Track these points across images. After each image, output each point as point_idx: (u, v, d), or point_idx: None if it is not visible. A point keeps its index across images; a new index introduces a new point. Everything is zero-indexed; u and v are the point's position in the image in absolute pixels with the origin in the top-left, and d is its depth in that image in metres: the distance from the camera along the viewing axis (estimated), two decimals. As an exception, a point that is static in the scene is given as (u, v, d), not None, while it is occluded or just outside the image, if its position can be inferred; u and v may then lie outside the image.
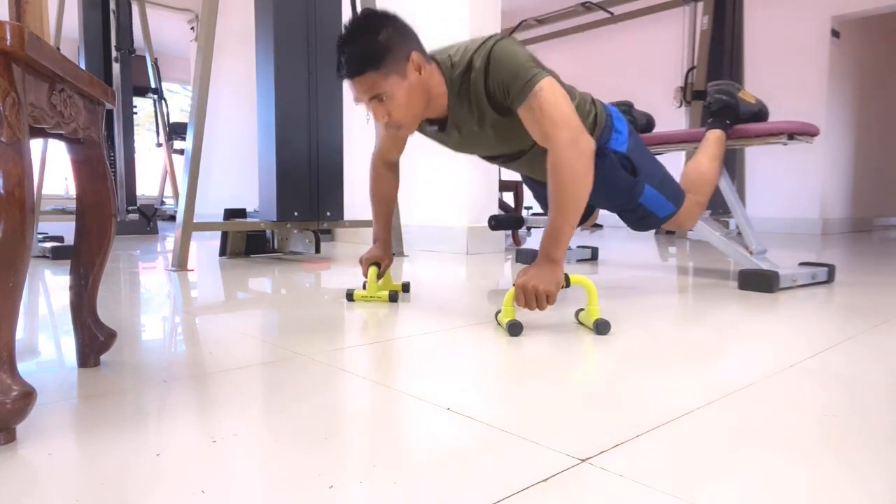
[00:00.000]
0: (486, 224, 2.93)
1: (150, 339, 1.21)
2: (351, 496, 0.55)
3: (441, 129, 1.46)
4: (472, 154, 1.64)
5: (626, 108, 2.22)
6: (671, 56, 5.66)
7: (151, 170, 7.09)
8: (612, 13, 5.54)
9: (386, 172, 1.71)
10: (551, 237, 1.27)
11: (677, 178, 1.77)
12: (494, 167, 3.28)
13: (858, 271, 2.35)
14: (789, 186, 5.24)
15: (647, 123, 2.25)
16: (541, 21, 5.97)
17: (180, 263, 2.36)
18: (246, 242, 2.96)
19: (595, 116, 1.55)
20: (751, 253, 1.91)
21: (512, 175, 3.86)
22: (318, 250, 2.91)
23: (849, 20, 5.08)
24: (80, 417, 0.76)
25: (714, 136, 1.92)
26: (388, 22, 1.30)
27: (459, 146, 1.55)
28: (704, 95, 2.04)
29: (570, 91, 1.53)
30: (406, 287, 1.76)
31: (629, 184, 1.56)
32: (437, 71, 1.37)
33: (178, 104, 8.95)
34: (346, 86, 1.35)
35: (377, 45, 1.26)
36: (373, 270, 1.63)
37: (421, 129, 1.52)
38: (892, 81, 6.09)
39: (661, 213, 1.65)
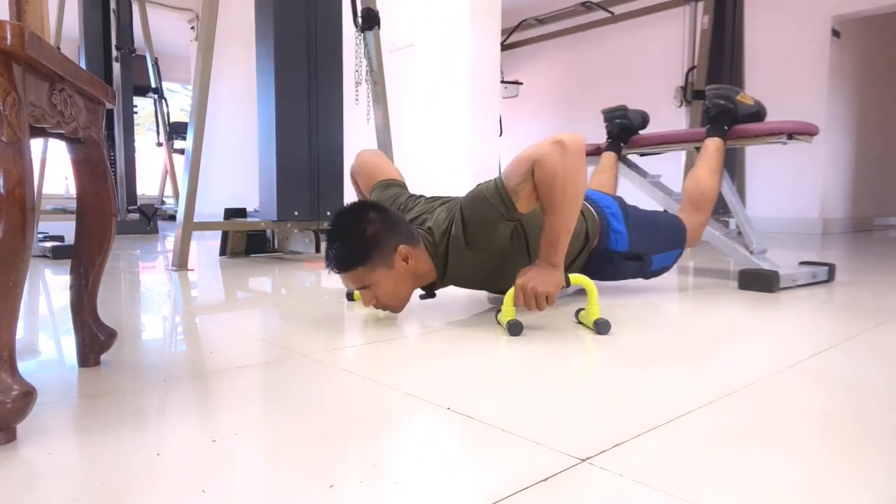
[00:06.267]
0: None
1: (150, 338, 1.21)
2: (351, 496, 0.55)
3: (432, 290, 1.48)
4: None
5: (620, 111, 2.24)
6: (671, 56, 5.65)
7: (151, 169, 7.08)
8: (612, 13, 5.54)
9: None
10: (549, 243, 1.26)
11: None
12: (494, 167, 3.28)
13: (859, 271, 2.35)
14: (789, 186, 5.23)
15: (643, 121, 2.28)
16: (541, 21, 5.97)
17: (180, 263, 2.36)
18: (246, 242, 2.95)
19: (587, 230, 1.58)
20: (751, 252, 1.91)
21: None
22: (318, 250, 2.90)
23: (849, 20, 5.07)
24: (81, 417, 0.76)
25: (714, 147, 1.93)
26: (377, 216, 1.30)
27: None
28: (704, 95, 2.04)
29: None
30: (406, 287, 1.76)
31: (638, 267, 1.67)
32: (423, 252, 1.38)
33: (179, 104, 8.94)
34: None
35: (365, 242, 1.27)
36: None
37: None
38: (892, 81, 6.08)
39: (670, 262, 1.77)
